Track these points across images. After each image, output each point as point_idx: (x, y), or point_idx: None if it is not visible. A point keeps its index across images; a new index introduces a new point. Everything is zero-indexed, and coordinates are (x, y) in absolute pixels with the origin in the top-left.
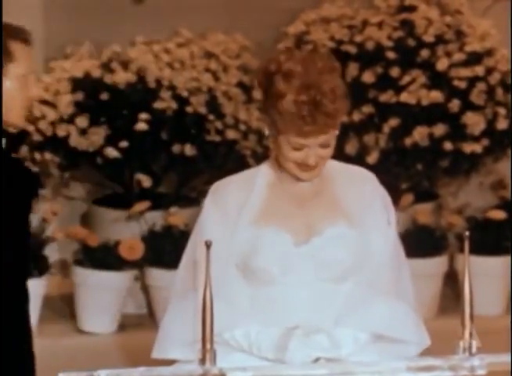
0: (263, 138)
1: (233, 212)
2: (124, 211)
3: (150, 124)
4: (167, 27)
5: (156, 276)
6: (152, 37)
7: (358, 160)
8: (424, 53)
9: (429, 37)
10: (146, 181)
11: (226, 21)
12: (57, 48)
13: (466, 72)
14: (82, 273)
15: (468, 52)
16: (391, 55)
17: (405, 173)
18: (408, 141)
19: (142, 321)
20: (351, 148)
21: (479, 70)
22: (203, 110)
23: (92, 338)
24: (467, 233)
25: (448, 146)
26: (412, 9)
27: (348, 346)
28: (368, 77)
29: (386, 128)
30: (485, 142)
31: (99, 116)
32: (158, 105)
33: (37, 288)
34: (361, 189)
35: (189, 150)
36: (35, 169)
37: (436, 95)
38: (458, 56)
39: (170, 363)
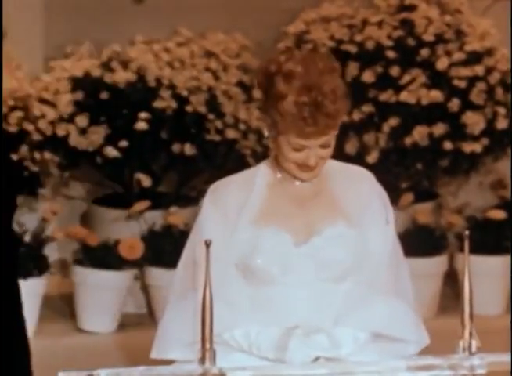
0: (263, 137)
1: (233, 212)
2: (123, 211)
3: (150, 123)
4: (167, 27)
5: (156, 275)
6: (152, 37)
7: (358, 159)
8: (424, 53)
9: (429, 37)
10: (145, 180)
11: (226, 21)
12: (57, 48)
13: (466, 71)
14: (82, 273)
15: (468, 51)
16: (390, 54)
17: (405, 173)
18: (408, 140)
19: (142, 320)
20: (351, 147)
21: (479, 69)
22: (203, 109)
23: (92, 338)
24: (467, 233)
25: (447, 145)
26: (412, 8)
27: (348, 346)
28: (368, 76)
29: (386, 128)
30: (485, 141)
31: (98, 115)
32: (158, 104)
33: (36, 288)
34: (359, 188)
35: (188, 149)
36: (35, 169)
37: (436, 95)
38: (458, 56)
39: (170, 362)
